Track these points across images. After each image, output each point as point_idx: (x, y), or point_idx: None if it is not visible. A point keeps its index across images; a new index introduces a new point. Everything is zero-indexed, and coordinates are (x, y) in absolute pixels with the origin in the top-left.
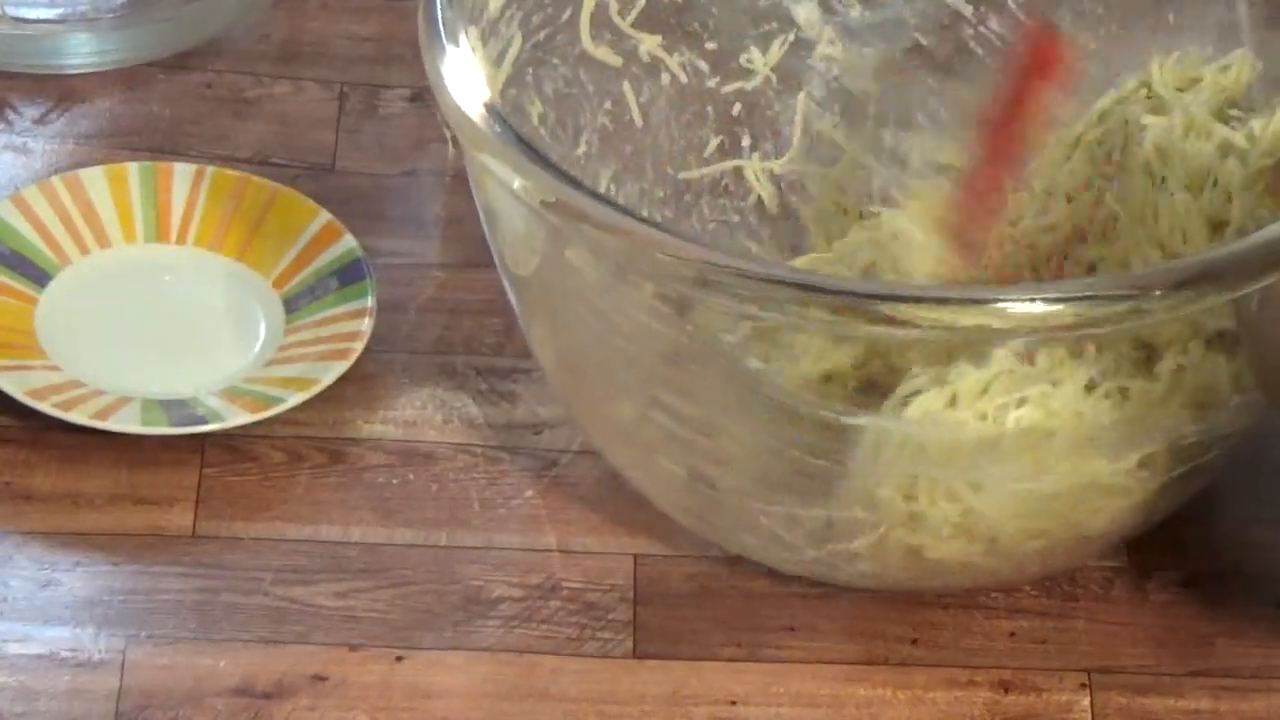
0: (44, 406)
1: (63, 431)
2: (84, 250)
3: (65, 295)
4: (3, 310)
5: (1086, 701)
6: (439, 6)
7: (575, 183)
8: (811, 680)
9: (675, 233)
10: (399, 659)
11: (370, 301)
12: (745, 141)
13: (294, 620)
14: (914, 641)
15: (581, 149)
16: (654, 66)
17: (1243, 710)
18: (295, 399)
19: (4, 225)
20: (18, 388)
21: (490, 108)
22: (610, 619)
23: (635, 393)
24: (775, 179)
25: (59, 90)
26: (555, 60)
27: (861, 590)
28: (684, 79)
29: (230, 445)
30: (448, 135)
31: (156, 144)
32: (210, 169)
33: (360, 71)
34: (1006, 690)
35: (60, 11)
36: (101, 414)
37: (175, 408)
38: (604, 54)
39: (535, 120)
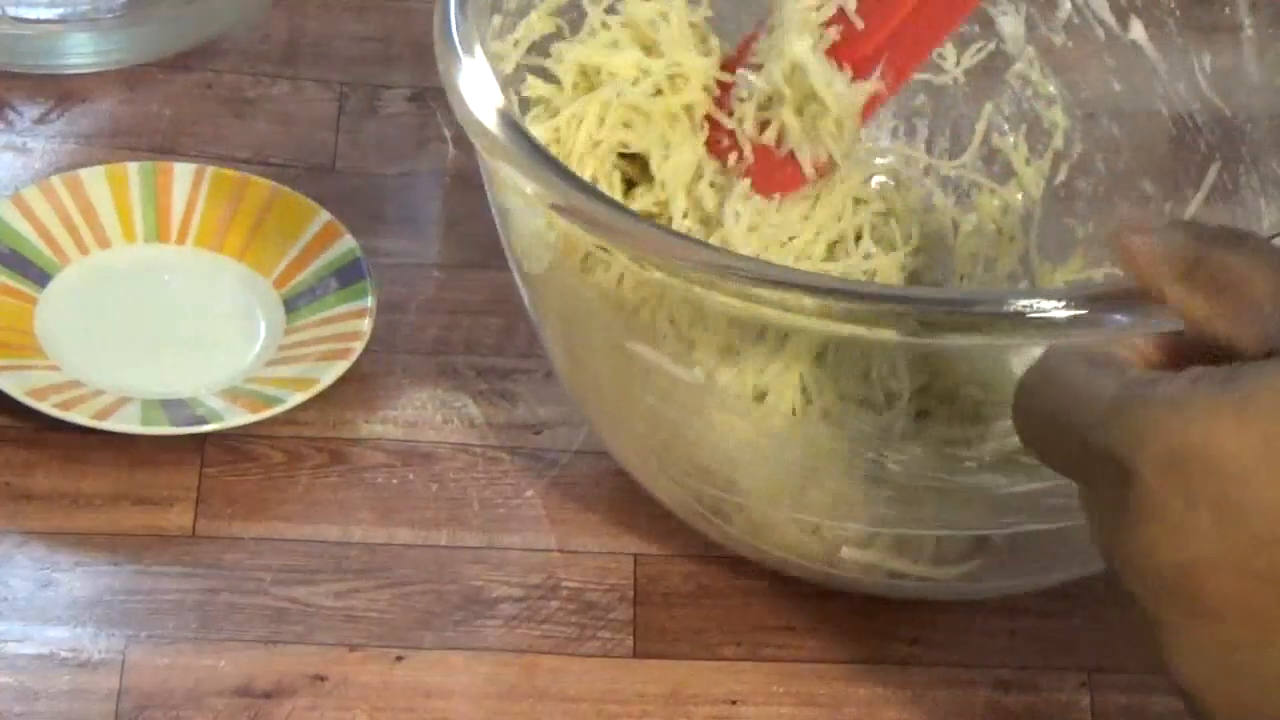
0: (44, 406)
1: (63, 431)
2: (84, 250)
3: (65, 295)
4: (3, 310)
5: (1086, 701)
6: (453, 15)
7: (587, 188)
8: (811, 680)
9: (686, 237)
10: (399, 659)
11: (370, 301)
12: (922, 133)
13: (294, 620)
14: (914, 641)
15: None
16: None
17: None
18: (295, 399)
19: (4, 225)
20: (18, 388)
21: (502, 112)
22: (610, 619)
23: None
24: (943, 180)
25: (59, 90)
26: None
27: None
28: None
29: (230, 445)
30: (447, 135)
31: (156, 144)
32: (210, 169)
33: (360, 71)
34: (1006, 690)
35: (60, 11)
36: (101, 414)
37: (175, 408)
38: None
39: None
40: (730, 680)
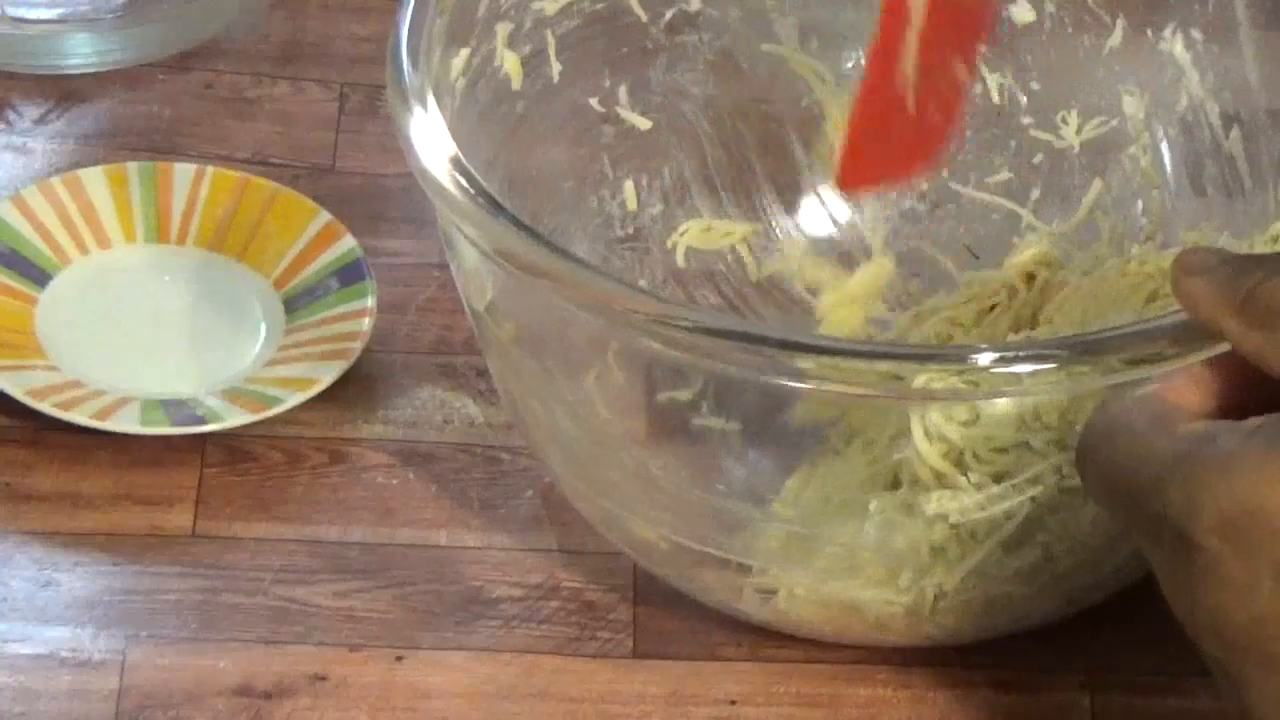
0: (44, 406)
1: (63, 431)
2: (84, 250)
3: (65, 295)
4: (3, 310)
5: (1087, 701)
6: (406, 73)
7: (533, 234)
8: (811, 680)
9: (631, 285)
10: (399, 659)
11: (370, 301)
12: (1034, 193)
13: (294, 620)
14: None
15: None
16: None
17: None
18: (295, 399)
19: (4, 225)
20: (18, 388)
21: (454, 160)
22: (610, 619)
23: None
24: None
25: (59, 90)
26: None
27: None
28: (996, 99)
29: (230, 445)
30: None
31: (156, 144)
32: (210, 169)
33: (360, 71)
34: (1006, 690)
35: (60, 11)
36: (101, 414)
37: (175, 408)
38: None
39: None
40: (730, 680)
